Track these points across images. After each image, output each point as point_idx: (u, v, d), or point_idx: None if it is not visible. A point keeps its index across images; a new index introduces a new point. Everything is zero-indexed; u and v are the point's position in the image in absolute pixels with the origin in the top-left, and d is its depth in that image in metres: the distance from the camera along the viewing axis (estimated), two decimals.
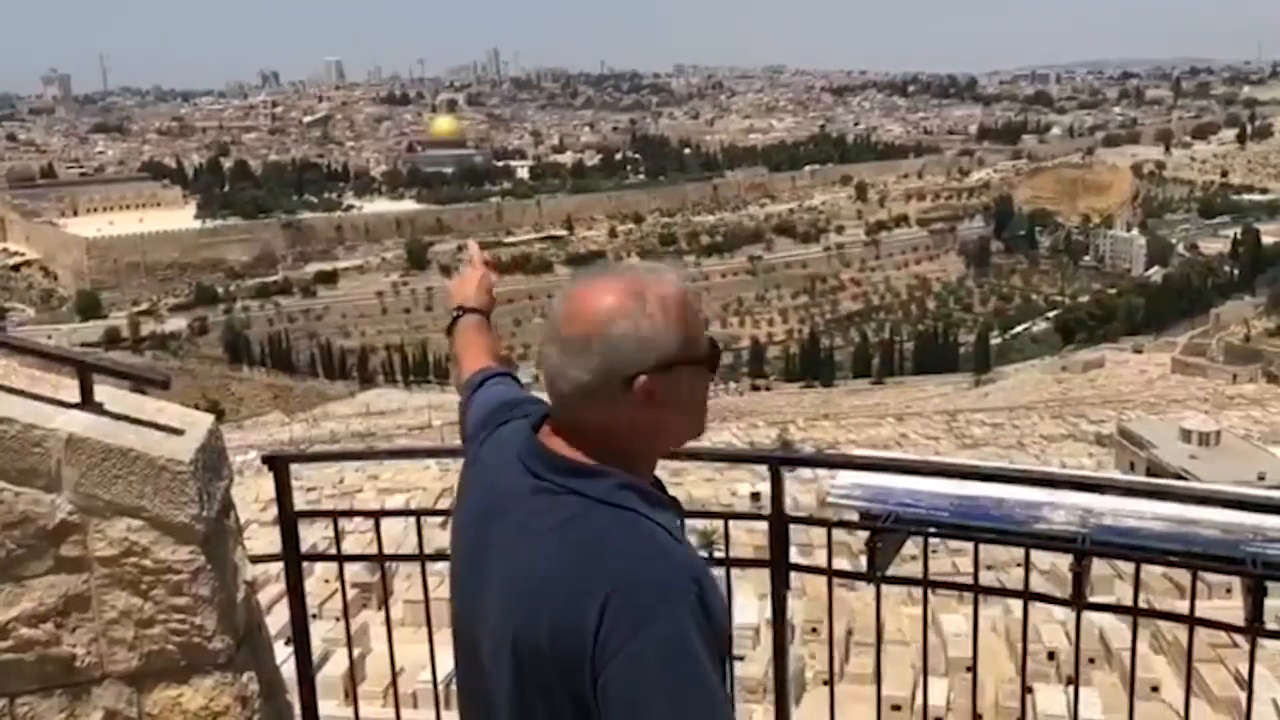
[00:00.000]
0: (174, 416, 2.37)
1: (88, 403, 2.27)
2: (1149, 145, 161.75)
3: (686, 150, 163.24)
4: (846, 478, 2.82)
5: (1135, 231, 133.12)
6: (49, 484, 2.18)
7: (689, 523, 1.94)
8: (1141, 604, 2.52)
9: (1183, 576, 2.34)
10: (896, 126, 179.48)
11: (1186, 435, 31.25)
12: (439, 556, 2.96)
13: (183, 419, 2.37)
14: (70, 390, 2.31)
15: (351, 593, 12.22)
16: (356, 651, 9.21)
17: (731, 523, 2.83)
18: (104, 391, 2.36)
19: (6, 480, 2.17)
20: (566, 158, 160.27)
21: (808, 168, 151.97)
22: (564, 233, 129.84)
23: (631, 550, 1.34)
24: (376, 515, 2.82)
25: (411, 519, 2.98)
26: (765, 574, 2.82)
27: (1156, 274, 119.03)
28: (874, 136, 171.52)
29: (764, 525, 2.77)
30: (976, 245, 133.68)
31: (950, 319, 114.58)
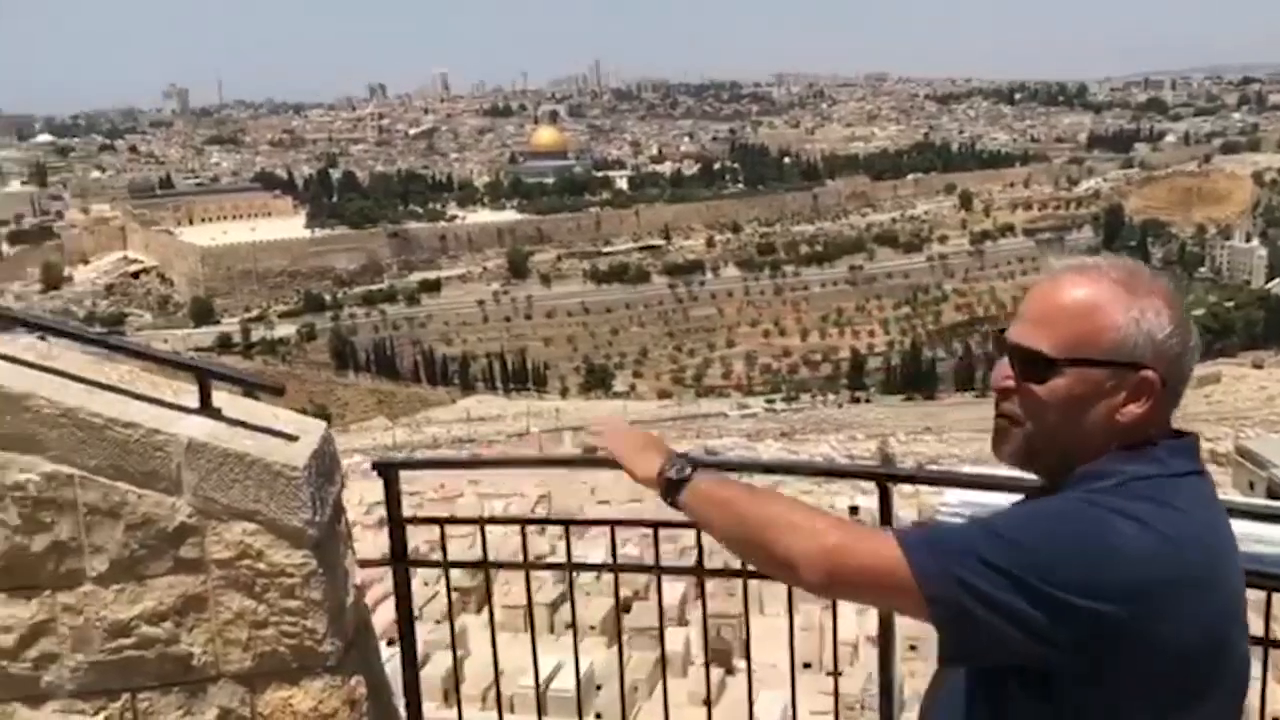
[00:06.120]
0: (288, 422, 2.42)
1: (206, 408, 2.33)
2: (1271, 152, 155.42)
3: (786, 159, 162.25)
4: (956, 495, 2.75)
5: (1256, 242, 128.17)
6: (169, 487, 2.25)
7: None
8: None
9: None
10: (1002, 134, 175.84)
11: None
12: (542, 565, 2.98)
13: (297, 425, 2.42)
14: (189, 396, 2.38)
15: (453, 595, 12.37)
16: (459, 654, 9.34)
17: None
18: (219, 397, 2.42)
19: (131, 483, 2.24)
20: (665, 167, 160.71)
21: (910, 176, 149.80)
22: (661, 242, 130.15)
23: None
24: (481, 522, 2.85)
25: (509, 526, 3.01)
26: None
27: (1278, 286, 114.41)
28: (979, 145, 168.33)
29: None
30: (1085, 256, 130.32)
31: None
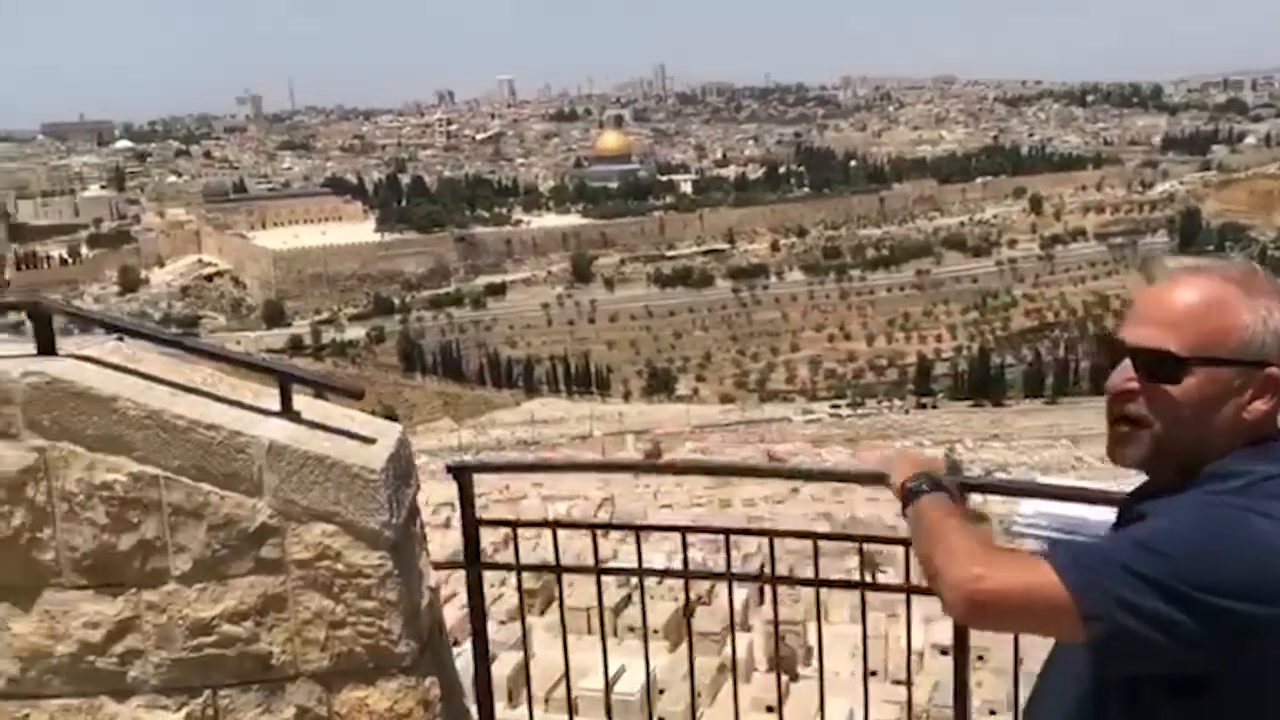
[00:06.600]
0: (365, 425, 2.45)
1: (287, 411, 2.37)
2: None
3: (852, 162, 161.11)
4: (1032, 506, 2.71)
5: None
6: (251, 488, 2.29)
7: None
8: None
9: None
10: (1074, 137, 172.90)
11: None
12: (613, 570, 2.98)
13: (373, 428, 2.45)
14: (269, 398, 2.42)
15: (513, 598, 12.49)
16: (519, 656, 9.39)
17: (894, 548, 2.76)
18: (297, 399, 2.46)
19: (213, 484, 2.28)
20: (729, 171, 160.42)
21: (979, 180, 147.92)
22: (725, 246, 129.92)
23: None
24: (553, 526, 2.86)
25: (568, 529, 3.02)
26: (925, 598, 2.76)
27: None
28: (1049, 147, 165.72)
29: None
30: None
31: None
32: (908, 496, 1.78)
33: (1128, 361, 1.54)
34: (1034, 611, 1.45)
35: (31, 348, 2.38)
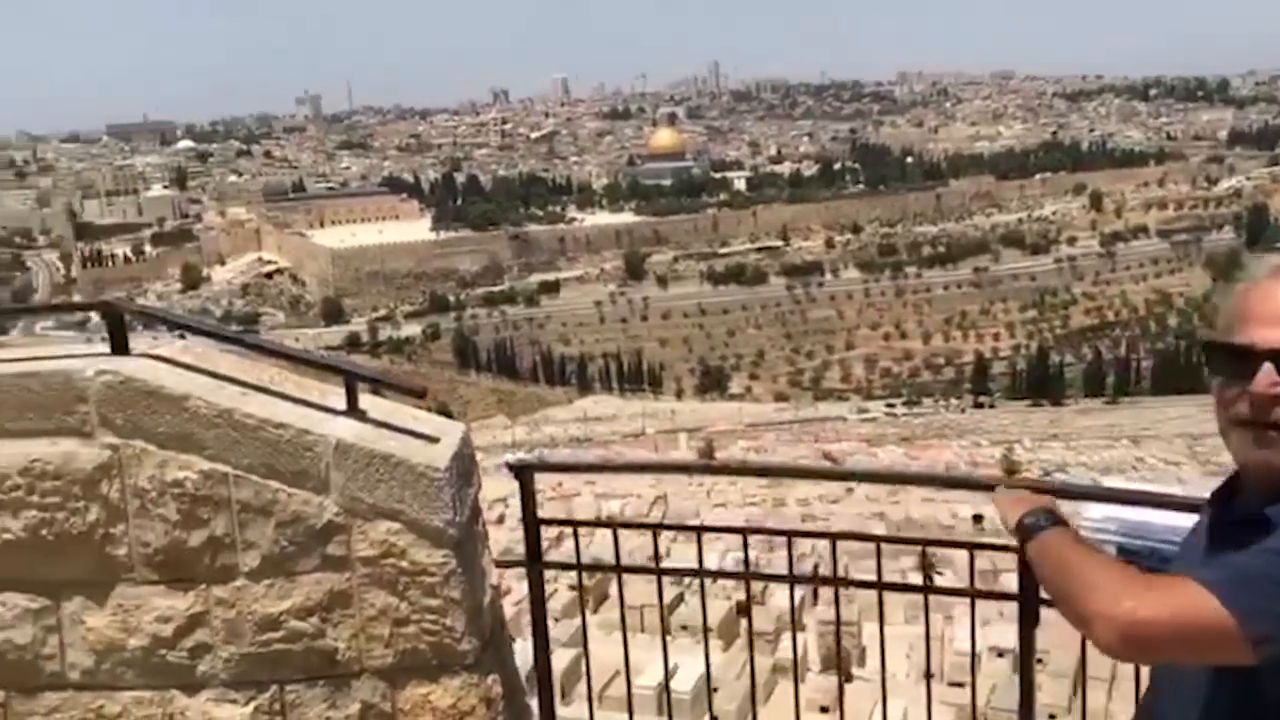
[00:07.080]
0: (429, 424, 2.47)
1: (353, 410, 2.40)
2: None
3: (909, 159, 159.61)
4: (1100, 510, 2.66)
5: None
6: (318, 486, 2.32)
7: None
8: None
9: None
10: (1136, 132, 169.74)
11: None
12: (674, 570, 2.98)
13: (437, 427, 2.47)
14: (335, 397, 2.45)
15: (567, 594, 12.50)
16: (573, 654, 9.41)
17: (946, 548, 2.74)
18: (362, 398, 2.49)
19: (281, 481, 2.32)
20: (784, 168, 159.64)
21: (1038, 176, 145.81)
22: (779, 243, 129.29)
23: None
24: (615, 526, 2.87)
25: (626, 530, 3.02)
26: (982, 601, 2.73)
27: None
28: (1110, 143, 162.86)
29: (989, 553, 2.67)
30: (1226, 258, 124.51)
31: (1194, 336, 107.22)
32: (1026, 533, 1.76)
33: (1269, 365, 1.50)
34: (1194, 639, 1.42)
35: (102, 346, 2.43)
